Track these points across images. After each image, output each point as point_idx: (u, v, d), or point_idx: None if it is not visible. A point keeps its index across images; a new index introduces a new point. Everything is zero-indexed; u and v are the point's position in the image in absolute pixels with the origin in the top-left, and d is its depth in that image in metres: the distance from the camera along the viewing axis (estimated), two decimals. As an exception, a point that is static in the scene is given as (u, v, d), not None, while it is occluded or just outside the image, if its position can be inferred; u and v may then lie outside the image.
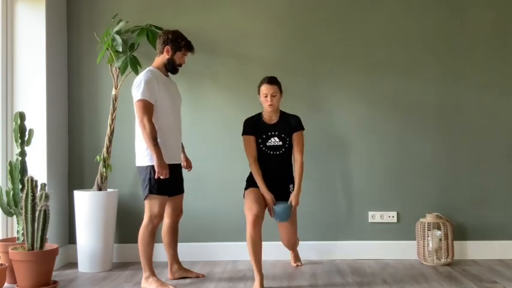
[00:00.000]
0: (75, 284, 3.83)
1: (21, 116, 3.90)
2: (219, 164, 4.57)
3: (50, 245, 3.72)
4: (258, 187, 3.84)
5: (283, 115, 3.93)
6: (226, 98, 4.59)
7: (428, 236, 4.29)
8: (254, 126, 3.89)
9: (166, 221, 3.89)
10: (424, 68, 4.55)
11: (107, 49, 4.27)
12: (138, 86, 3.56)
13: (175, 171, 3.73)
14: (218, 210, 4.54)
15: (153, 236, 3.67)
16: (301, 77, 4.55)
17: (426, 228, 4.30)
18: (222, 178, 4.57)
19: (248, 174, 4.00)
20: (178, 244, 4.54)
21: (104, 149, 4.28)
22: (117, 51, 4.25)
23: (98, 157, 4.28)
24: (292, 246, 4.17)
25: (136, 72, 4.32)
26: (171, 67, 3.75)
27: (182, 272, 3.95)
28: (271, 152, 3.88)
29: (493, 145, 4.54)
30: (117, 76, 4.34)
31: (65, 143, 4.54)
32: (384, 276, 3.94)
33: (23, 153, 3.90)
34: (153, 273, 3.69)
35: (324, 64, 4.57)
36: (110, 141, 4.30)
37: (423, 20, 4.55)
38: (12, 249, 3.57)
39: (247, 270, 4.15)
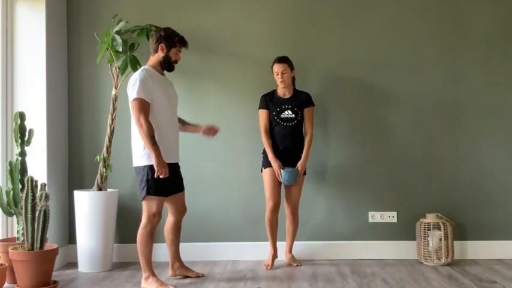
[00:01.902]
0: (75, 284, 3.83)
1: (21, 116, 3.90)
2: (219, 164, 4.57)
3: (50, 245, 3.72)
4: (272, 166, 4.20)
5: (295, 91, 4.30)
6: (226, 98, 4.59)
7: (428, 236, 4.29)
8: (269, 101, 4.25)
9: (170, 219, 3.90)
10: (424, 66, 4.55)
11: (107, 49, 4.27)
12: (133, 85, 3.53)
13: (174, 170, 3.71)
14: (218, 210, 4.55)
15: (152, 236, 3.66)
16: (301, 76, 4.55)
17: (426, 228, 4.30)
18: (222, 178, 4.57)
19: (262, 152, 4.29)
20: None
21: (104, 149, 4.28)
22: (117, 51, 4.25)
23: (98, 157, 4.28)
24: (294, 209, 4.28)
25: (137, 72, 4.33)
26: (167, 64, 3.73)
27: (183, 270, 3.95)
28: (285, 124, 4.21)
29: (493, 145, 4.54)
30: (117, 76, 4.34)
31: (65, 143, 4.54)
32: (384, 276, 3.94)
33: (23, 153, 3.90)
34: (152, 273, 3.68)
35: (324, 64, 4.57)
36: (110, 141, 4.30)
37: (424, 19, 4.55)
38: (12, 249, 3.57)
39: (247, 270, 4.15)
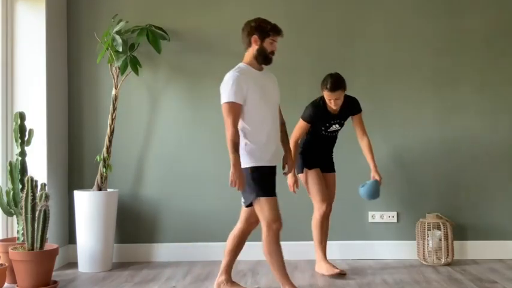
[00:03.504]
0: (75, 284, 3.83)
1: (21, 116, 3.90)
2: (219, 163, 4.56)
3: (50, 245, 3.71)
4: (316, 166, 4.04)
5: (344, 101, 3.96)
6: (226, 98, 4.58)
7: (428, 236, 4.29)
8: (317, 117, 3.97)
9: (238, 226, 3.55)
10: (423, 68, 4.55)
11: (107, 49, 4.27)
12: (224, 87, 3.31)
13: (274, 173, 3.41)
14: (218, 210, 4.54)
15: (278, 243, 3.28)
16: (301, 76, 4.55)
17: (426, 228, 4.30)
18: (222, 178, 4.55)
19: (302, 148, 4.05)
20: (179, 244, 4.55)
21: (104, 149, 4.28)
22: (117, 51, 4.25)
23: (98, 157, 4.28)
24: (332, 200, 4.13)
25: (136, 72, 4.33)
26: (263, 57, 3.39)
27: (230, 285, 3.56)
28: (329, 134, 4.08)
29: (493, 145, 4.54)
30: (117, 76, 4.34)
31: (65, 143, 4.54)
32: (384, 276, 3.94)
33: (23, 153, 3.90)
34: (291, 285, 3.31)
35: (324, 64, 4.57)
36: (110, 141, 4.30)
37: (424, 19, 4.56)
38: (12, 249, 3.57)
39: (247, 270, 4.15)
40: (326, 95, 3.88)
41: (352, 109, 4.04)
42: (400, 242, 4.52)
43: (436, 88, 4.56)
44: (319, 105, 3.98)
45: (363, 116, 4.09)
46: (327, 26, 4.59)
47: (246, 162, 3.28)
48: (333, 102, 3.88)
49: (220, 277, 3.56)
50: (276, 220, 3.25)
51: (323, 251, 4.06)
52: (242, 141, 3.31)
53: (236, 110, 3.27)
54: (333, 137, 4.12)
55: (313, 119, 3.96)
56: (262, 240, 3.29)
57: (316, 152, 4.07)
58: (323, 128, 4.02)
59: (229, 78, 3.32)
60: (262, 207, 3.25)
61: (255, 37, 3.36)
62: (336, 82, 3.84)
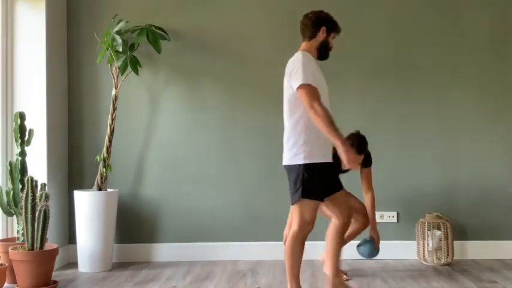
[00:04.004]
0: (75, 284, 3.83)
1: (21, 116, 3.90)
2: (219, 164, 4.57)
3: (50, 245, 3.72)
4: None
5: None
6: (226, 98, 4.58)
7: (428, 236, 4.29)
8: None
9: (335, 222, 3.47)
10: (423, 68, 4.55)
11: (107, 49, 4.27)
12: (297, 71, 3.08)
13: (331, 169, 3.28)
14: (218, 210, 4.54)
15: (303, 245, 3.21)
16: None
17: (426, 228, 4.30)
18: (221, 178, 4.57)
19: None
20: (179, 244, 4.55)
21: (104, 149, 4.28)
22: (117, 51, 4.25)
23: (98, 157, 4.28)
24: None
25: (136, 72, 4.33)
26: (325, 50, 3.29)
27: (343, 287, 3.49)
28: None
29: (493, 145, 4.54)
30: (117, 76, 4.34)
31: (65, 143, 4.54)
32: (384, 276, 3.94)
33: (23, 153, 3.90)
34: (298, 285, 3.23)
35: (324, 64, 4.56)
36: (110, 141, 4.30)
37: (423, 20, 4.56)
38: (12, 249, 3.57)
39: (247, 270, 4.15)
40: None
41: (364, 161, 3.83)
42: (400, 242, 4.52)
43: (436, 87, 4.55)
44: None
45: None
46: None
47: (304, 159, 3.10)
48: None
49: (335, 280, 3.46)
50: (311, 222, 3.18)
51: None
52: (302, 134, 3.12)
53: (316, 91, 3.05)
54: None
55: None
56: (289, 235, 3.19)
57: None
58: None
59: (301, 61, 3.11)
60: (304, 206, 3.12)
61: (324, 28, 3.25)
62: (363, 145, 3.72)
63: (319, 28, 3.25)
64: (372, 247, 3.90)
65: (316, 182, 3.11)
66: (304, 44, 3.30)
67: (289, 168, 3.16)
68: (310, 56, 3.23)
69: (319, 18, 3.26)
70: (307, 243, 4.41)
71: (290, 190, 3.17)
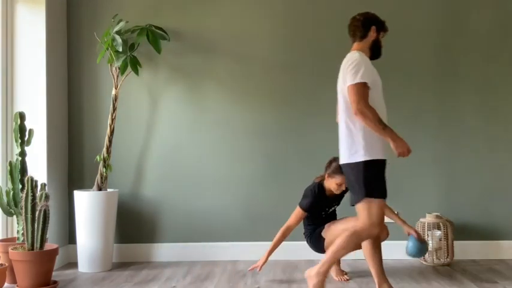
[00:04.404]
0: (75, 284, 3.83)
1: (21, 116, 3.90)
2: (219, 164, 4.57)
3: (50, 245, 3.71)
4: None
5: None
6: (226, 98, 4.58)
7: (428, 236, 4.29)
8: (318, 205, 3.80)
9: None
10: (423, 68, 4.56)
11: (107, 49, 4.27)
12: (354, 68, 3.11)
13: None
14: (217, 210, 4.54)
15: (357, 246, 3.24)
16: (301, 77, 4.55)
17: (426, 228, 4.30)
18: (221, 178, 4.57)
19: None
20: (179, 244, 4.55)
21: (104, 149, 4.28)
22: (117, 51, 4.25)
23: (98, 157, 4.28)
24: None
25: (136, 72, 4.33)
26: (377, 49, 3.33)
27: None
28: (329, 213, 3.93)
29: (493, 145, 4.54)
30: (117, 76, 4.34)
31: (65, 143, 4.54)
32: (384, 276, 3.94)
33: (23, 153, 3.90)
34: (324, 275, 3.21)
35: (324, 64, 4.57)
36: (110, 141, 4.30)
37: (423, 19, 4.56)
38: (12, 249, 3.57)
39: (247, 270, 4.15)
40: (336, 179, 3.66)
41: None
42: (400, 242, 4.51)
43: (436, 86, 4.55)
44: (317, 194, 3.78)
45: None
46: (327, 26, 4.59)
47: (364, 156, 3.09)
48: (339, 187, 3.69)
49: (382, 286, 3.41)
50: (379, 225, 3.12)
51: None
52: (361, 132, 3.12)
53: (367, 92, 3.09)
54: (332, 214, 3.97)
55: (308, 208, 3.78)
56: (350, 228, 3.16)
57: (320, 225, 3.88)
58: (323, 213, 3.90)
59: (359, 59, 3.16)
60: (371, 208, 3.07)
61: (374, 27, 3.31)
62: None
63: (370, 27, 3.32)
64: (416, 242, 3.73)
65: (378, 178, 3.10)
66: (356, 45, 3.35)
67: (348, 166, 3.16)
68: (365, 55, 3.27)
69: (368, 19, 3.34)
70: (306, 243, 4.43)
71: (351, 190, 3.16)
